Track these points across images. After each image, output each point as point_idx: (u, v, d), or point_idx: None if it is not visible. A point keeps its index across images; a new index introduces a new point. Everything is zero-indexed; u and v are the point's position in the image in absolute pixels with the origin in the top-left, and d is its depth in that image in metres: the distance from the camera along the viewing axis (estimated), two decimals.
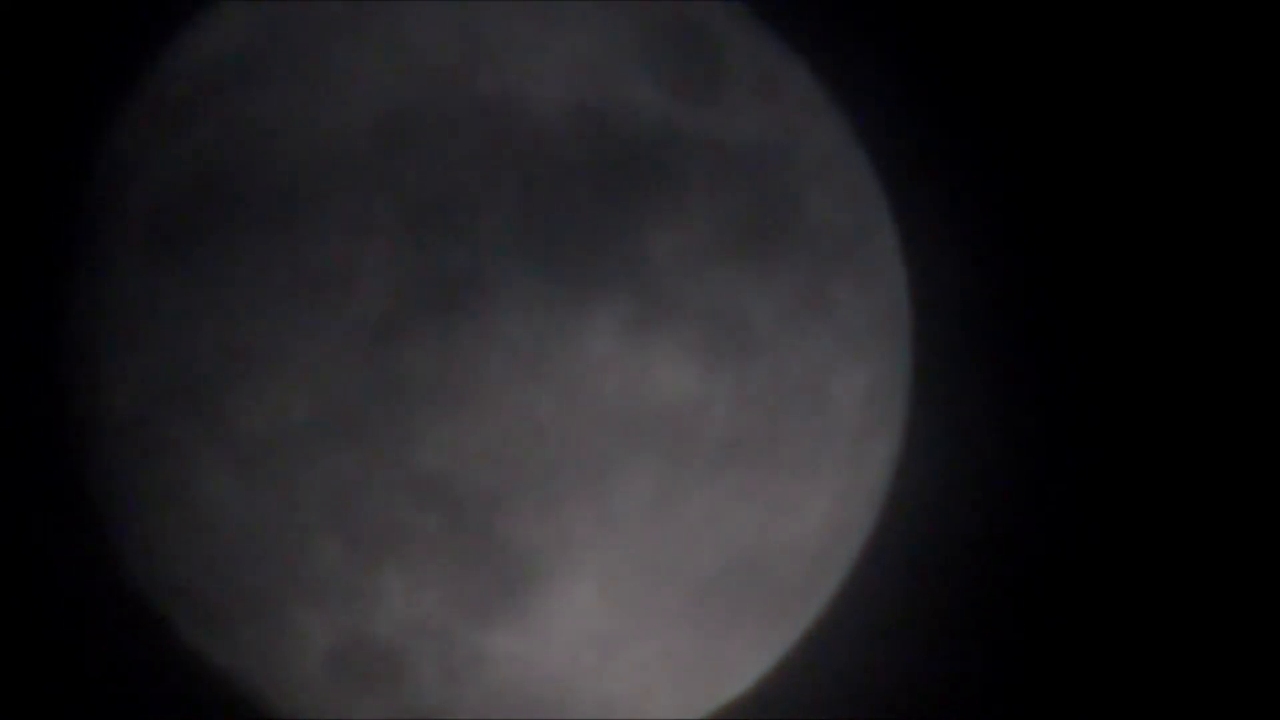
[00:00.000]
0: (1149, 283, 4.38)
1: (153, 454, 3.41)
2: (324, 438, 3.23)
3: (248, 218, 3.26)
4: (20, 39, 4.16)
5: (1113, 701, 4.38)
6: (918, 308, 3.84)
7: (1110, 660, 4.40)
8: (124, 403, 3.43)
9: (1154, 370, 4.39)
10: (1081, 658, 4.40)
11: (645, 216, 3.25)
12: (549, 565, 3.28)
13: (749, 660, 3.72)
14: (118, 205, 3.49)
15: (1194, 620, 4.39)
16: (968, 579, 4.36)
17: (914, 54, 4.27)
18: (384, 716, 3.50)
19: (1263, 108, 4.33)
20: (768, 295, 3.35)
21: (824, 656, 4.00)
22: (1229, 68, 4.33)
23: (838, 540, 3.70)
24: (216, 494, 3.34)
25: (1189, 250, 4.38)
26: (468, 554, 3.26)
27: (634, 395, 3.24)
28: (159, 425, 3.37)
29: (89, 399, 3.55)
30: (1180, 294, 4.38)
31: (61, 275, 3.67)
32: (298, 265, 3.21)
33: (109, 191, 3.55)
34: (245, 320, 3.24)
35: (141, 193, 3.44)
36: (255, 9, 3.48)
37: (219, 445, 3.30)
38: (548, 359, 3.19)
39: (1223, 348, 4.38)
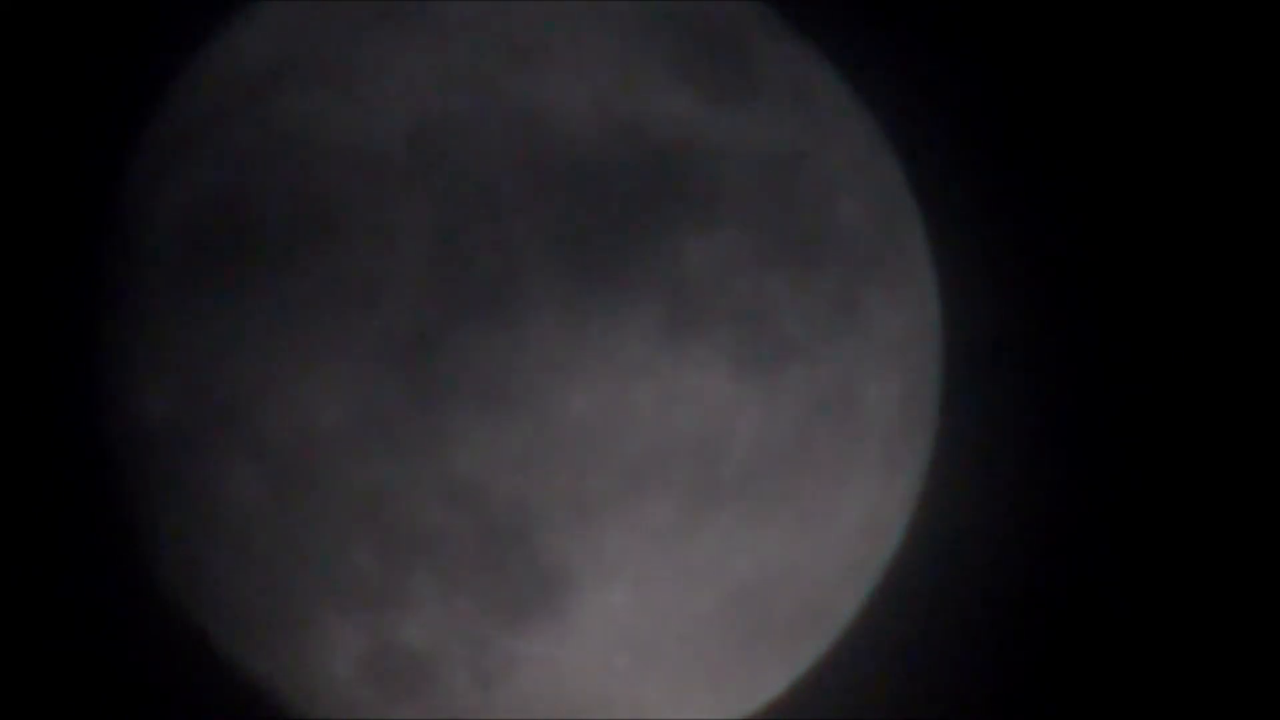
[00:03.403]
0: (1185, 290, 4.36)
1: (186, 461, 3.42)
2: (356, 444, 3.23)
3: (280, 224, 3.26)
4: (50, 46, 4.19)
5: (1142, 709, 4.36)
6: (949, 313, 3.84)
7: (1142, 669, 4.38)
8: (158, 411, 3.44)
9: (1190, 378, 4.37)
10: (1113, 668, 4.38)
11: (677, 222, 3.25)
12: (581, 570, 3.27)
13: (781, 666, 3.72)
14: (150, 212, 3.50)
15: (1231, 631, 4.36)
16: (1000, 587, 4.35)
17: (946, 59, 4.27)
18: None
19: None
20: (799, 301, 3.35)
21: (856, 663, 3.99)
22: (1273, 72, 4.32)
23: (869, 546, 3.69)
24: (249, 500, 3.34)
25: (1226, 257, 4.37)
26: (500, 559, 3.26)
27: (666, 401, 3.24)
28: (192, 432, 3.38)
29: (123, 407, 3.56)
30: (1217, 301, 4.36)
31: (94, 282, 3.69)
32: (329, 271, 3.22)
33: (141, 198, 3.56)
34: (278, 327, 3.25)
35: (174, 199, 3.45)
36: (286, 14, 3.49)
37: (252, 452, 3.30)
38: (580, 365, 3.19)
39: (1259, 348, 4.36)
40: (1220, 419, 4.37)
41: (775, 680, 3.76)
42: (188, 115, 3.52)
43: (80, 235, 3.94)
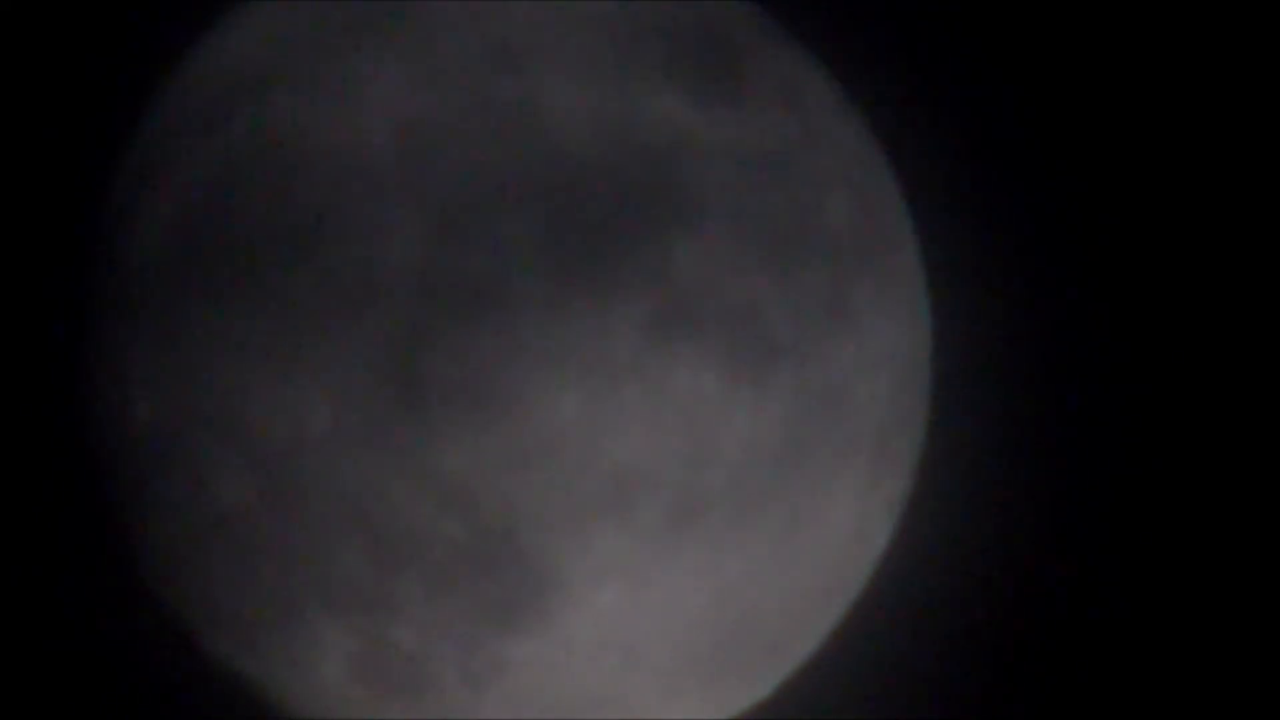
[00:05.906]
0: (1177, 288, 4.37)
1: (175, 464, 3.42)
2: (345, 445, 3.23)
3: (268, 227, 3.26)
4: (42, 46, 4.19)
5: (1133, 709, 4.37)
6: (939, 314, 3.84)
7: (1133, 672, 4.38)
8: (146, 411, 3.44)
9: (1183, 379, 4.38)
10: (1097, 674, 4.38)
11: (665, 223, 3.25)
12: (570, 571, 3.28)
13: (770, 668, 3.72)
14: (139, 215, 3.50)
15: (1220, 639, 4.37)
16: (989, 587, 4.35)
17: (934, 58, 4.27)
18: None
19: None
20: (788, 302, 3.35)
21: (845, 662, 3.99)
22: (1264, 70, 4.32)
23: (858, 548, 3.69)
24: (239, 503, 3.34)
25: (1217, 258, 4.37)
26: (489, 560, 3.26)
27: (654, 402, 3.24)
28: (182, 435, 3.38)
29: (111, 408, 3.56)
30: (1207, 301, 4.37)
31: (83, 286, 3.68)
32: (318, 275, 3.22)
33: (130, 202, 3.56)
34: (266, 330, 3.25)
35: (162, 203, 3.45)
36: (274, 16, 3.49)
37: (241, 455, 3.30)
38: (569, 365, 3.19)
39: (1245, 350, 4.36)
40: (1211, 422, 4.38)
41: (763, 682, 3.76)
42: (176, 118, 3.52)
43: (68, 239, 3.94)
